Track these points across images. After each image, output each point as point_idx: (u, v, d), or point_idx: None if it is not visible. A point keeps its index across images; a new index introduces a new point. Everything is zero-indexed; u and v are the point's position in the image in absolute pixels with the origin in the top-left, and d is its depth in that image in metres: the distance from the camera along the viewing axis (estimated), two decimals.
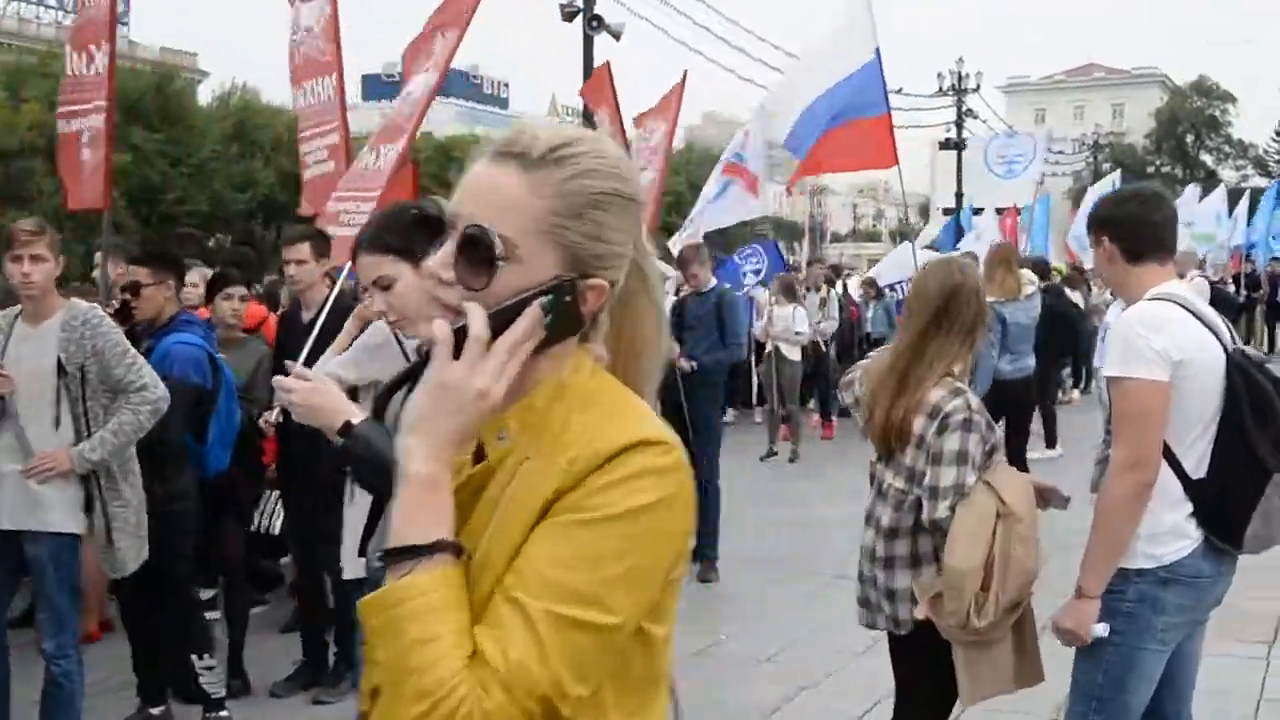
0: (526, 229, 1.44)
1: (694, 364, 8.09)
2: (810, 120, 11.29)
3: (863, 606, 3.70)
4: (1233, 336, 3.37)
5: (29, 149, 44.21)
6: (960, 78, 43.23)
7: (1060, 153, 58.69)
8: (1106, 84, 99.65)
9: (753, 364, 14.96)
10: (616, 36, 23.76)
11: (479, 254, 1.42)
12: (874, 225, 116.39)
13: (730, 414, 15.58)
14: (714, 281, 8.46)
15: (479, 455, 1.52)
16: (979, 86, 43.37)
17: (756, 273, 14.76)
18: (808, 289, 14.44)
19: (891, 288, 15.46)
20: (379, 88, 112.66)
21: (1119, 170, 35.83)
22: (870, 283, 15.67)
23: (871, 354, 4.08)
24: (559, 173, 1.45)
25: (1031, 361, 8.91)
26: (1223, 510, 3.21)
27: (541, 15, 23.56)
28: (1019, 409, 8.98)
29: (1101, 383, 3.56)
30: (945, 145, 47.01)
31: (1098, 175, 53.68)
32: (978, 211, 25.58)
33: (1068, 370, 16.93)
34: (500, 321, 1.41)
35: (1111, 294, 15.39)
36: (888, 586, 3.57)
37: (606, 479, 1.40)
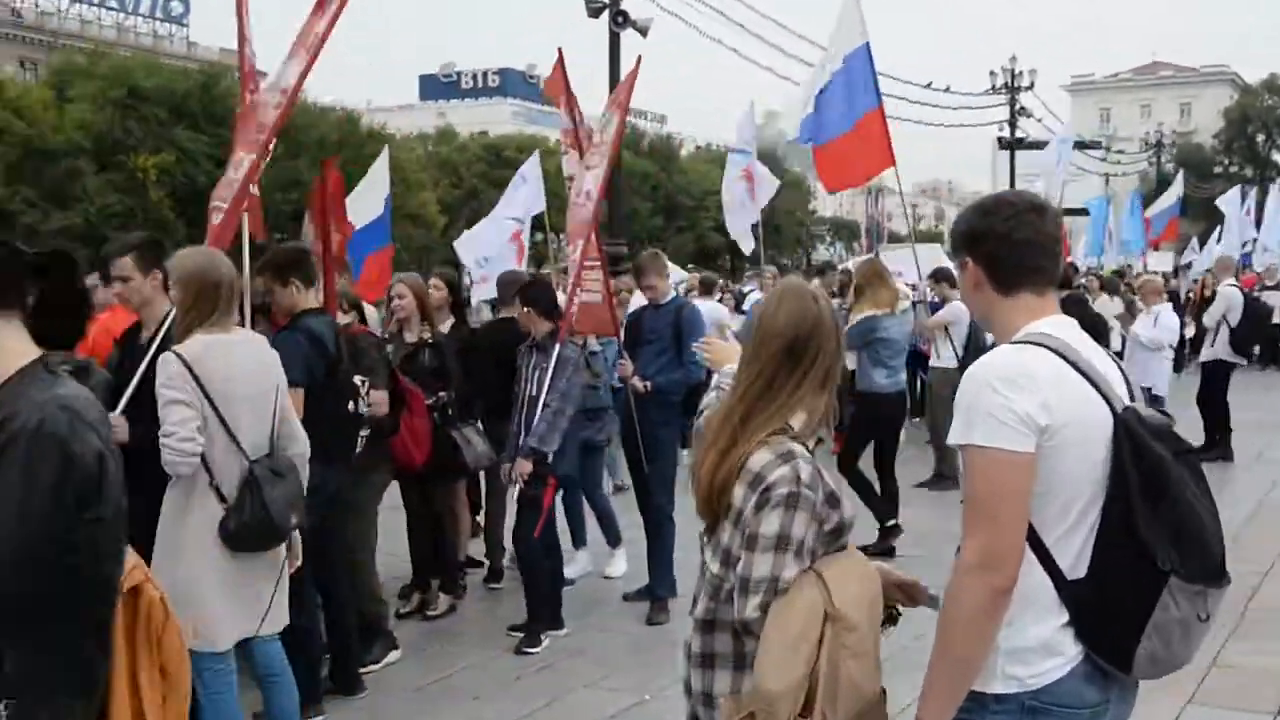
0: None
1: (648, 384, 7.39)
2: (818, 115, 10.72)
3: None
4: (1130, 392, 2.61)
5: (74, 149, 44.45)
6: (1013, 75, 42.08)
7: (1120, 152, 57.09)
8: (1174, 82, 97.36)
9: None
10: (643, 33, 23.12)
11: None
12: (935, 226, 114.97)
13: None
14: (673, 293, 7.73)
15: None
16: (1033, 84, 42.17)
17: None
18: (830, 293, 13.64)
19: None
20: (436, 88, 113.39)
21: (1180, 172, 34.46)
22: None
23: (708, 400, 3.35)
24: None
25: (904, 376, 8.95)
26: (1107, 621, 2.45)
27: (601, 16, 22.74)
28: (892, 424, 9.12)
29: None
30: (1003, 144, 46.18)
31: (1160, 176, 52.30)
32: None
33: None
34: None
35: (1130, 305, 14.41)
36: (704, 689, 2.85)
37: None
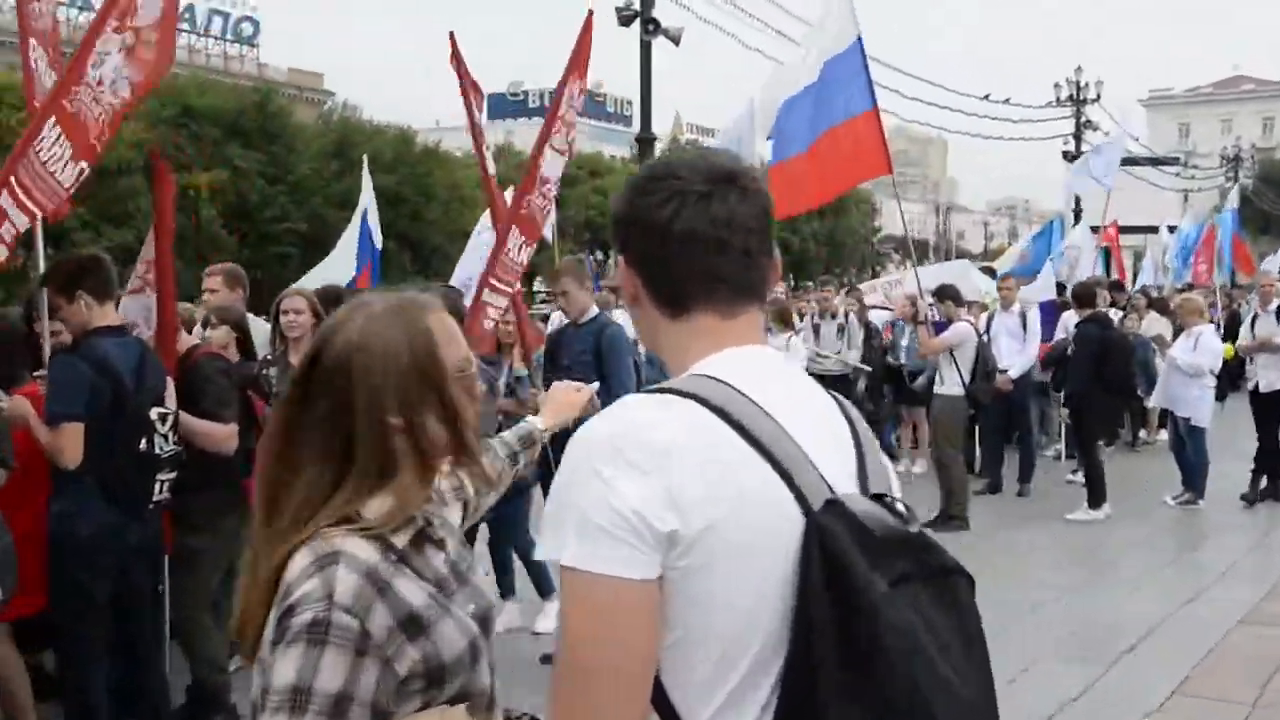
0: None
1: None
2: (795, 118, 9.87)
3: None
4: (863, 470, 1.62)
5: (127, 167, 44.49)
6: (1078, 87, 40.59)
7: (1195, 168, 55.04)
8: (1256, 96, 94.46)
9: None
10: (675, 41, 22.33)
11: None
12: (1008, 244, 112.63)
13: None
14: (595, 310, 6.75)
15: None
16: (1099, 96, 40.64)
17: None
18: (823, 315, 12.56)
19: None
20: (504, 106, 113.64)
21: (1233, 192, 32.76)
22: (911, 300, 13.42)
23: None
24: None
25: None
26: None
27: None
28: None
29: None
30: (1068, 158, 44.86)
31: (1240, 192, 50.43)
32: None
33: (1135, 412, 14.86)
34: None
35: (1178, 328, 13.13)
36: None
37: None
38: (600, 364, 6.44)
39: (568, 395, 3.24)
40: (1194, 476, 11.11)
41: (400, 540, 1.80)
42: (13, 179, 4.86)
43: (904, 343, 13.03)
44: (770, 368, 1.63)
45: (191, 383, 5.29)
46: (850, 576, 1.41)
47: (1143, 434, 15.19)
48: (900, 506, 1.56)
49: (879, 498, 1.56)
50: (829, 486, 1.51)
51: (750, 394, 1.53)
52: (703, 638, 1.46)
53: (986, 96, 35.45)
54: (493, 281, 6.19)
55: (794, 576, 1.45)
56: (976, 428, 12.23)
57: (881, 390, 13.14)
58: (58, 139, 5.21)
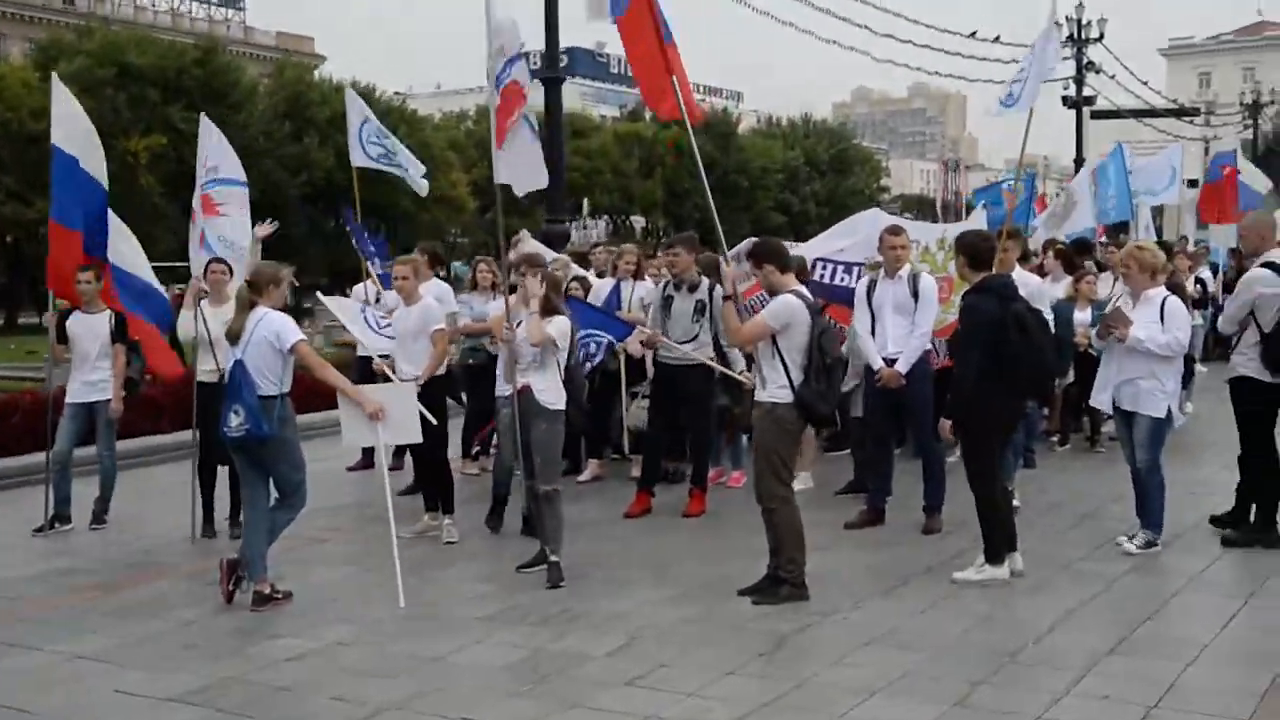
0: None
1: None
2: None
3: None
4: None
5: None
6: (1080, 26, 37.03)
7: (1210, 113, 51.01)
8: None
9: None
10: None
11: None
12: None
13: (592, 467, 10.66)
14: None
15: None
16: (1102, 35, 37.07)
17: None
18: (679, 287, 9.30)
19: (837, 270, 10.18)
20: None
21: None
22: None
23: None
24: None
25: None
26: None
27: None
28: None
29: None
30: (1068, 104, 41.58)
31: (1256, 142, 46.78)
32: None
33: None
34: None
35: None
36: None
37: None
38: None
39: None
40: (1150, 503, 7.87)
41: None
42: None
43: None
44: None
45: None
46: None
47: (1107, 429, 11.54)
48: None
49: None
50: None
51: None
52: None
53: (973, 34, 31.94)
54: None
55: None
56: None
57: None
58: None
